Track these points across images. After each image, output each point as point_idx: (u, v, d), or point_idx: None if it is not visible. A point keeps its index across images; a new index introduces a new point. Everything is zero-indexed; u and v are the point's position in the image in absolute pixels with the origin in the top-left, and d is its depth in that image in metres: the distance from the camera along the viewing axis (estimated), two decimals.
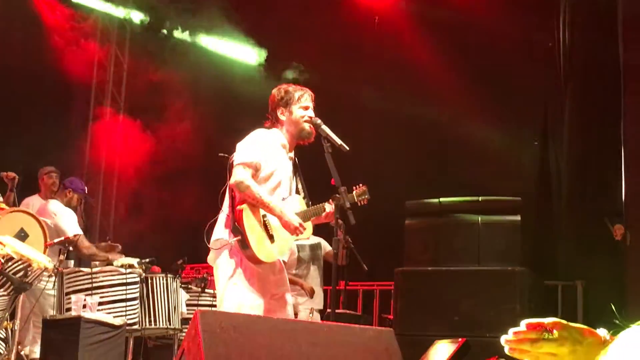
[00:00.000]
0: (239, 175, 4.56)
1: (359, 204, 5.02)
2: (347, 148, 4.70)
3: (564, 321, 1.70)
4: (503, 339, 1.70)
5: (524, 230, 7.38)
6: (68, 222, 7.13)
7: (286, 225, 4.64)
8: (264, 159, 4.68)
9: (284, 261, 5.06)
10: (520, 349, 1.69)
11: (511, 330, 1.69)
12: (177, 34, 11.22)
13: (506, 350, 1.70)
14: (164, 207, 10.54)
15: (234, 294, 4.55)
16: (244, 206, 4.57)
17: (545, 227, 9.19)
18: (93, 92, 11.79)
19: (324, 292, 7.59)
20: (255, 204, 4.59)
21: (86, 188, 7.96)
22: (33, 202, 7.80)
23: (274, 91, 4.94)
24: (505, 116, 9.58)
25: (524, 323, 1.69)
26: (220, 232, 4.66)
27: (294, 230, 4.65)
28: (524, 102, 9.68)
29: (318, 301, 7.45)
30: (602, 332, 1.71)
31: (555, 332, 1.67)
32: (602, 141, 8.85)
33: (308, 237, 5.23)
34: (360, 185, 5.08)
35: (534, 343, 1.68)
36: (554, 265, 8.80)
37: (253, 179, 4.61)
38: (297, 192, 4.96)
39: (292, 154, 4.94)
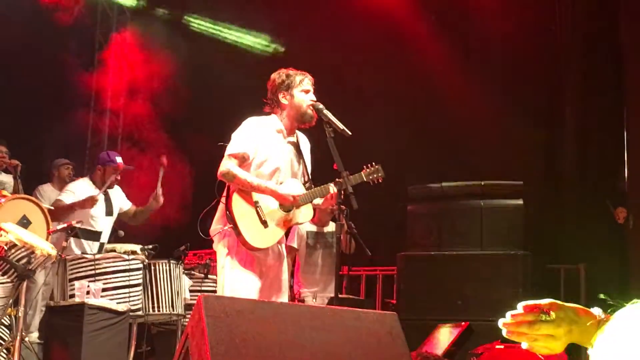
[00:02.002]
0: (224, 166, 4.63)
1: (372, 184, 4.93)
2: (350, 133, 4.65)
3: (559, 302, 1.71)
4: (501, 322, 1.70)
5: (527, 214, 7.39)
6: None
7: (283, 200, 4.67)
8: (252, 147, 4.70)
9: (294, 247, 5.04)
10: (518, 332, 1.70)
11: (508, 314, 1.70)
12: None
13: (504, 333, 1.71)
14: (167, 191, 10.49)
15: (232, 278, 4.59)
16: (234, 194, 4.63)
17: (547, 211, 9.19)
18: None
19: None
20: (247, 189, 4.63)
21: (117, 159, 7.50)
22: (47, 192, 7.97)
23: (274, 75, 4.90)
24: (507, 100, 9.56)
25: (521, 305, 1.69)
26: (218, 220, 4.73)
27: (292, 203, 4.68)
28: (526, 85, 9.65)
29: (330, 289, 7.38)
30: (596, 311, 1.71)
31: (552, 313, 1.68)
32: (605, 124, 8.84)
33: (315, 221, 5.21)
34: (373, 164, 4.96)
35: (531, 325, 1.68)
36: (557, 248, 8.80)
37: (241, 167, 4.65)
38: (301, 175, 4.93)
39: (293, 138, 4.91)
